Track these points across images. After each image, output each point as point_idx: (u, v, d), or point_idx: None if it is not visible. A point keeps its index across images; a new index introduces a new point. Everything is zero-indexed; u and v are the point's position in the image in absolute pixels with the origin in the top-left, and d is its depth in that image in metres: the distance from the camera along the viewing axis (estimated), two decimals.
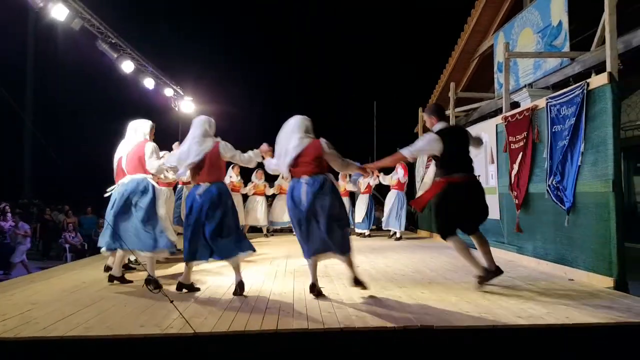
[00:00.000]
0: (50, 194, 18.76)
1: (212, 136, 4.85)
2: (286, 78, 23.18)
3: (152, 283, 4.72)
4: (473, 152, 5.05)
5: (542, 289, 4.82)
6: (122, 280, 5.19)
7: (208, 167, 4.72)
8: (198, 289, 4.86)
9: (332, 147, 4.65)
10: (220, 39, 23.45)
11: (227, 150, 4.80)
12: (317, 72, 22.79)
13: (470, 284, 4.99)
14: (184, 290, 4.77)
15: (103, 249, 5.20)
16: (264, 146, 5.03)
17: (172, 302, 3.83)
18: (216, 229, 4.59)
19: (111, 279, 5.19)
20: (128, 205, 4.97)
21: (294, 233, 4.84)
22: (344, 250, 4.51)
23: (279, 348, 3.39)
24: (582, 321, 3.61)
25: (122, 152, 5.63)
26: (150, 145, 5.17)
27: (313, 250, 4.53)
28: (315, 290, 4.54)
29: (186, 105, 13.56)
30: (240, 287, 4.64)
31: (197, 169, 4.73)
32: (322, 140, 4.65)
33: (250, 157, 4.93)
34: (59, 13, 7.97)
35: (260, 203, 10.74)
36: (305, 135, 4.63)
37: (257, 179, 10.79)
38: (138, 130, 5.30)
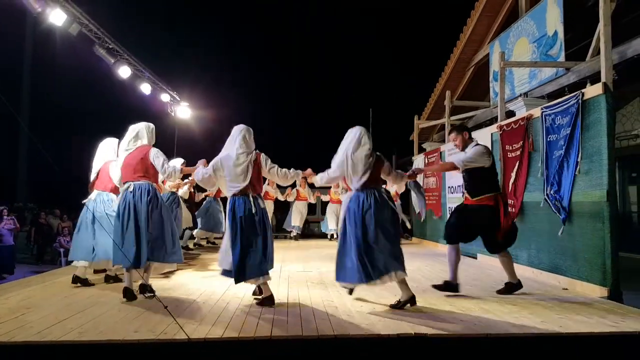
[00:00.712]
0: (45, 198, 18.70)
1: (251, 146, 4.71)
2: (282, 84, 23.25)
3: (148, 289, 4.69)
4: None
5: (535, 298, 4.83)
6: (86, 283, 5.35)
7: (256, 177, 4.59)
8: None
9: None
10: (217, 45, 23.51)
11: (267, 163, 4.69)
12: (314, 79, 22.88)
13: (464, 293, 5.01)
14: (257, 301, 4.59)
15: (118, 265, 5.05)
16: (309, 170, 4.94)
17: (166, 307, 3.82)
18: (264, 243, 4.48)
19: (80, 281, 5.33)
20: (138, 215, 4.70)
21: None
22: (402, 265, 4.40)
23: (273, 354, 3.39)
24: (576, 331, 3.62)
25: (110, 157, 5.50)
26: (156, 150, 4.94)
27: (387, 267, 4.29)
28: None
29: (182, 110, 13.57)
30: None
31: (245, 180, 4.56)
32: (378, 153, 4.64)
33: (286, 174, 4.76)
34: (56, 18, 7.98)
35: None
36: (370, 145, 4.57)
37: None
38: (140, 133, 5.02)
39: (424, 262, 7.80)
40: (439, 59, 12.70)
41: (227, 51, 24.13)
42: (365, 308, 4.35)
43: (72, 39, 8.74)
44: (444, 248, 9.72)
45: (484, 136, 7.87)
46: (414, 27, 21.52)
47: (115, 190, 5.43)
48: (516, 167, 6.59)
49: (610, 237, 4.84)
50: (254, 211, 4.44)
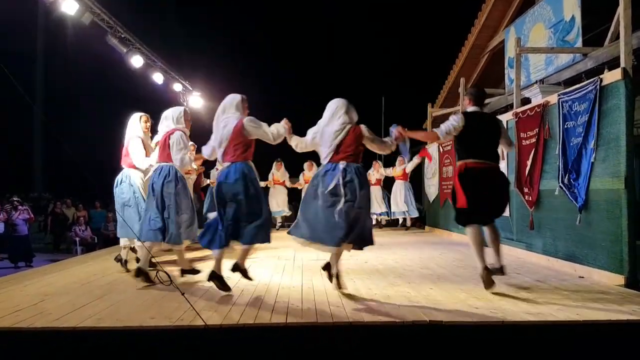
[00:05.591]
0: (60, 187, 18.93)
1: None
2: (295, 73, 23.17)
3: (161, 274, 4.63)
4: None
5: (551, 286, 4.80)
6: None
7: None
8: None
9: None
10: (230, 34, 23.45)
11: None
12: (326, 67, 22.76)
13: (479, 281, 4.98)
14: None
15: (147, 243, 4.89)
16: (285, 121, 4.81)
17: (183, 294, 3.85)
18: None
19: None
20: (159, 194, 4.79)
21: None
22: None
23: (288, 341, 3.41)
24: (592, 318, 3.59)
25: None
26: (176, 136, 4.91)
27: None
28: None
29: (195, 100, 13.58)
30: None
31: None
32: None
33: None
34: (69, 7, 7.97)
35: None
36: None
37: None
38: (167, 117, 5.05)
39: (438, 250, 7.78)
40: (453, 46, 12.57)
41: (239, 41, 24.08)
42: (380, 296, 4.35)
43: (84, 28, 8.75)
44: (457, 237, 9.74)
45: None
46: (427, 13, 21.28)
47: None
48: (532, 154, 6.51)
49: (627, 225, 4.77)
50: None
